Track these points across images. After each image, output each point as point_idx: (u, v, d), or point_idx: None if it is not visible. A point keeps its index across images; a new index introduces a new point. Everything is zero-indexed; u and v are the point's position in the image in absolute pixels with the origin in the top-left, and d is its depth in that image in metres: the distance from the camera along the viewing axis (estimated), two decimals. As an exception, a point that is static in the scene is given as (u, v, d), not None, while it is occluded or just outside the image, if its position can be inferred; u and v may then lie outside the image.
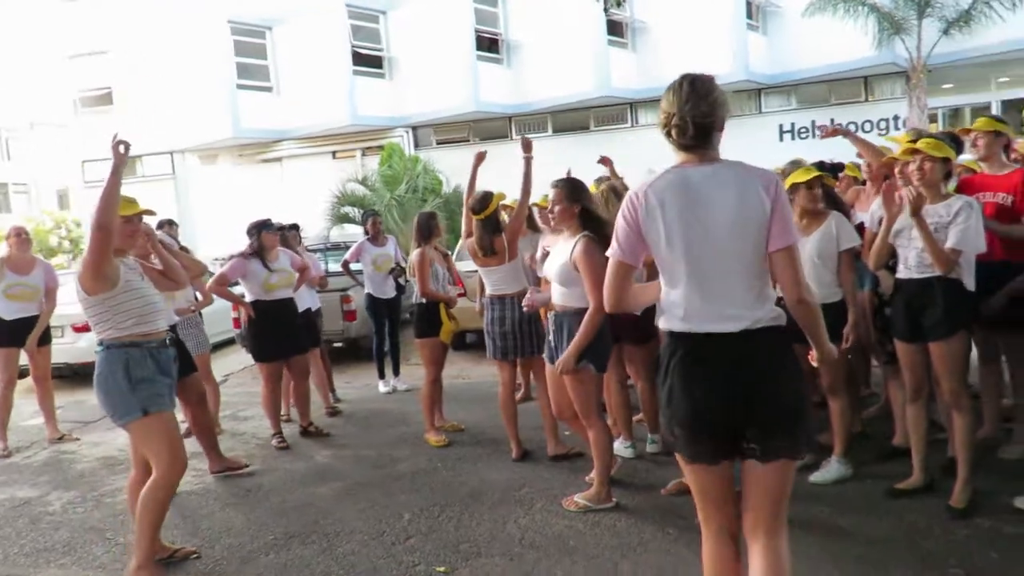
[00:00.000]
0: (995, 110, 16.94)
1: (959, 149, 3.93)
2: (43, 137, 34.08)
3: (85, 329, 7.69)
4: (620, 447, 4.52)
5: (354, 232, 13.34)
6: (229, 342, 9.74)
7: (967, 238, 3.29)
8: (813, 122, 16.74)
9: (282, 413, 5.92)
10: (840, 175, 5.08)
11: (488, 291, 4.72)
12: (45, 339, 5.98)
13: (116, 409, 3.28)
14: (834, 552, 3.12)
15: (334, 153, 18.69)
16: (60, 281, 6.09)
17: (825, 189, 3.98)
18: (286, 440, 5.49)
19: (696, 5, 16.30)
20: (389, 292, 6.99)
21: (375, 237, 7.02)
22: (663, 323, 2.19)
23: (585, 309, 3.60)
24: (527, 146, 4.69)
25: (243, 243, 5.64)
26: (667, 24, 16.73)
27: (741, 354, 2.06)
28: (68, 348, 8.01)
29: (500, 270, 4.62)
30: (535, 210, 5.47)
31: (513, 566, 3.28)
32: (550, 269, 3.87)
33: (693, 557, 2.68)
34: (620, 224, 2.17)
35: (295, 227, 6.72)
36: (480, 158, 4.99)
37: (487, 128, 18.57)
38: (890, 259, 3.66)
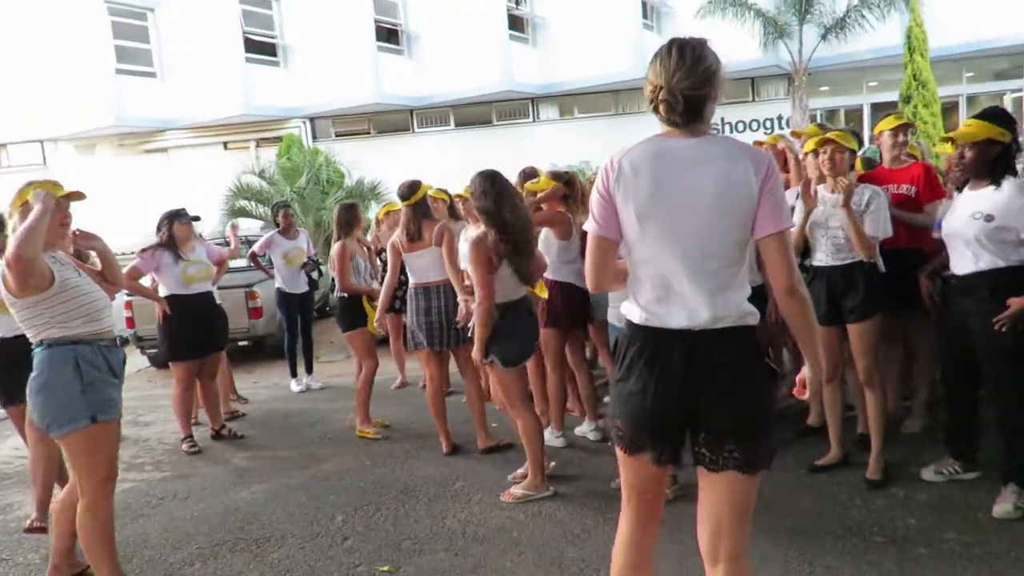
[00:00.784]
0: (866, 112, 18.30)
1: (860, 144, 4.22)
2: None
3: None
4: (550, 437, 4.54)
5: (249, 226, 12.79)
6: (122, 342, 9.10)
7: (879, 224, 3.52)
8: (722, 118, 17.48)
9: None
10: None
11: (413, 280, 4.62)
12: None
13: (59, 415, 2.85)
14: (765, 526, 3.23)
15: (225, 144, 17.83)
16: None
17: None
18: (197, 444, 5.18)
19: (594, 3, 16.64)
20: (301, 287, 6.73)
21: (286, 230, 6.73)
22: (623, 308, 2.02)
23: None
24: None
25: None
26: (567, 20, 16.98)
27: (701, 354, 1.86)
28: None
29: (427, 254, 4.53)
30: (458, 201, 5.41)
31: (459, 560, 3.23)
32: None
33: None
34: (595, 196, 1.96)
35: (196, 219, 6.34)
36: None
37: (388, 120, 18.28)
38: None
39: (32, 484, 3.90)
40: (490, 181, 3.71)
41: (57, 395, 2.84)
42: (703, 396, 1.86)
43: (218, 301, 5.55)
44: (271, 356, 8.33)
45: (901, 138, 4.33)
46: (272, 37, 17.28)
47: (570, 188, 4.53)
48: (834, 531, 3.22)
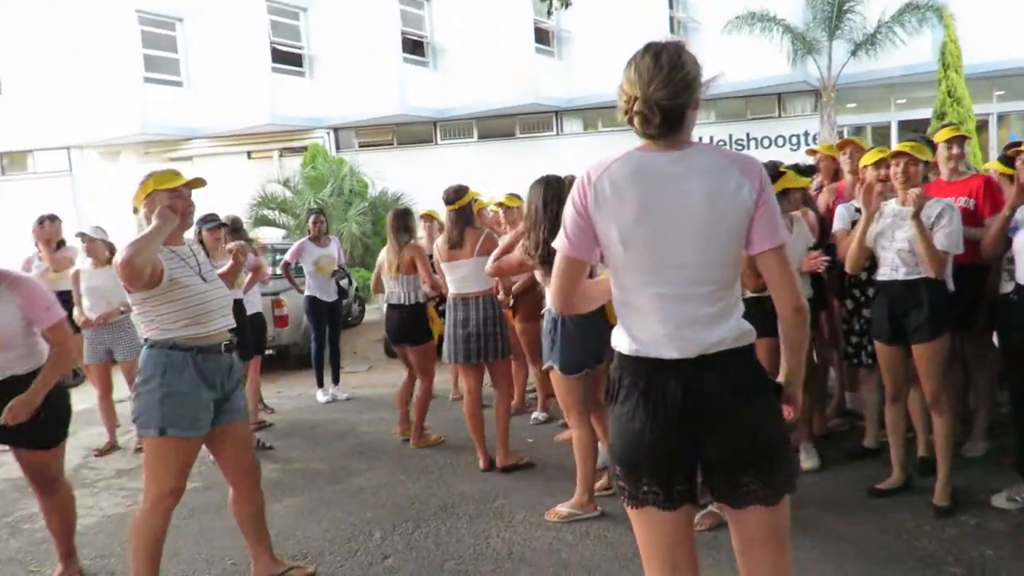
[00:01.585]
0: (894, 130, 18.05)
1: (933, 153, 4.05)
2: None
3: None
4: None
5: (273, 236, 12.78)
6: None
7: (953, 239, 3.35)
8: (730, 136, 17.38)
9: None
10: (815, 176, 5.15)
11: (452, 290, 4.51)
12: None
13: (139, 416, 2.80)
14: (829, 553, 3.08)
15: (249, 153, 17.87)
16: None
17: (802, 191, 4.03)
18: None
19: (620, 18, 16.57)
20: (331, 295, 6.63)
21: (317, 237, 6.64)
22: (612, 339, 1.85)
23: None
24: None
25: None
26: (593, 34, 16.90)
27: (697, 384, 1.70)
28: None
29: (466, 265, 4.42)
30: (500, 210, 5.31)
31: (507, 583, 3.08)
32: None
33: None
34: (569, 212, 1.78)
35: (223, 225, 6.27)
36: None
37: (412, 132, 18.27)
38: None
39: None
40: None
41: (142, 396, 2.80)
42: (708, 427, 1.71)
43: (259, 309, 5.48)
44: (296, 366, 8.22)
45: (955, 150, 4.18)
46: (299, 48, 17.36)
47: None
48: (904, 561, 3.04)
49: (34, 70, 16.41)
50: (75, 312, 5.15)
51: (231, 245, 3.55)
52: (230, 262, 3.42)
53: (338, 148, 17.75)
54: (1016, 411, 3.55)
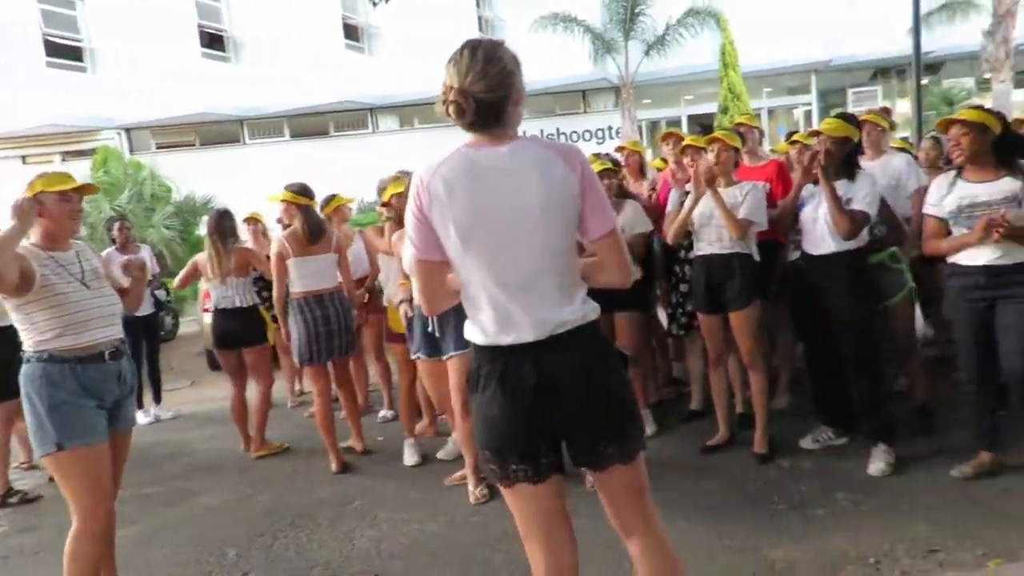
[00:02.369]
0: (684, 123, 19.75)
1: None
2: None
3: None
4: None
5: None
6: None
7: (757, 210, 3.78)
8: (541, 130, 18.11)
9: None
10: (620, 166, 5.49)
11: (302, 288, 4.35)
12: None
13: (33, 437, 2.64)
14: (674, 506, 3.33)
15: (24, 158, 15.86)
16: None
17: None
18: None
19: (430, 15, 16.66)
20: (146, 308, 6.10)
21: (124, 245, 6.07)
22: (466, 332, 1.91)
23: None
24: None
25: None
26: (403, 31, 16.85)
27: (548, 364, 1.79)
28: None
29: (321, 260, 4.36)
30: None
31: (381, 580, 3.06)
32: None
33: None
34: (411, 217, 1.83)
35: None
36: None
37: (216, 131, 17.19)
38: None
39: None
40: None
41: (28, 416, 2.65)
42: (564, 403, 1.81)
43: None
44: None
45: (749, 144, 4.69)
46: (78, 40, 15.65)
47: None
48: (738, 503, 3.41)
49: None
50: None
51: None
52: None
53: (132, 150, 16.28)
54: (808, 365, 4.07)
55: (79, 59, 15.73)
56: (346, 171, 11.79)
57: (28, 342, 2.65)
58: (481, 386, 1.86)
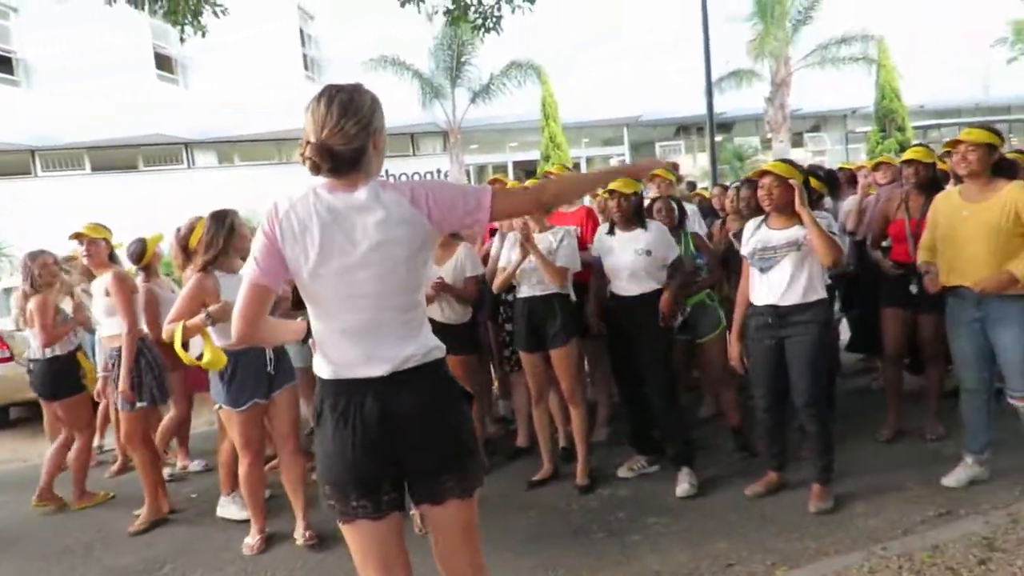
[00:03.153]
0: (510, 169, 20.57)
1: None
2: None
3: None
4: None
5: None
6: None
7: (573, 257, 4.02)
8: (387, 171, 18.04)
9: None
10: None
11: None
12: None
13: None
14: (503, 543, 3.40)
15: None
16: None
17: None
18: None
19: (251, 50, 16.18)
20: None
21: None
22: (314, 366, 1.94)
23: None
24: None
25: None
26: (223, 65, 16.20)
27: (392, 399, 1.83)
28: None
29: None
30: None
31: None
32: None
33: None
34: (260, 241, 1.84)
35: None
36: None
37: (2, 162, 15.41)
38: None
39: None
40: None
41: None
42: (407, 438, 1.85)
43: None
44: None
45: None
46: None
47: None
48: (562, 535, 3.54)
49: None
50: None
51: None
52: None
53: None
54: (623, 396, 4.35)
55: None
56: (160, 208, 11.04)
57: None
58: (324, 420, 1.87)
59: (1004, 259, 3.25)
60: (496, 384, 5.41)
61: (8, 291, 8.22)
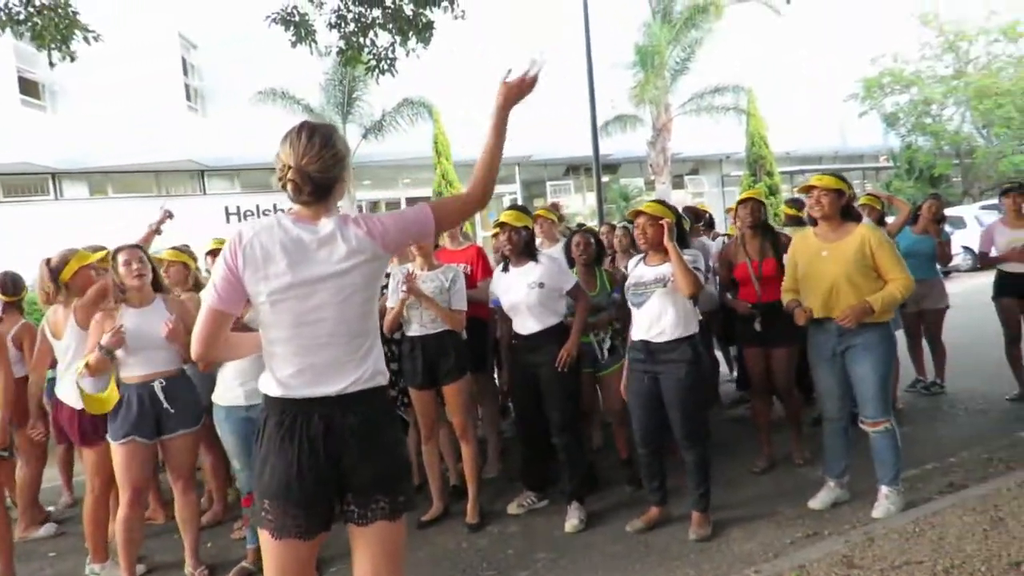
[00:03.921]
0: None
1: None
2: None
3: None
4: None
5: None
6: None
7: (463, 297, 4.06)
8: (258, 206, 17.54)
9: None
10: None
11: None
12: None
13: None
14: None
15: None
16: None
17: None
18: None
19: (128, 76, 15.44)
20: None
21: None
22: (260, 384, 2.05)
23: None
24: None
25: None
26: (98, 92, 15.35)
27: (336, 418, 1.95)
28: None
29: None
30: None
31: None
32: None
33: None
34: (221, 269, 1.96)
35: None
36: None
37: None
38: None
39: None
40: None
41: None
42: (346, 457, 1.96)
43: None
44: None
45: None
46: None
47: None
48: (453, 574, 3.50)
49: None
50: None
51: None
52: None
53: None
54: (521, 432, 4.39)
55: None
56: (24, 241, 10.21)
57: None
58: (267, 436, 1.97)
59: (863, 292, 3.56)
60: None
61: None
